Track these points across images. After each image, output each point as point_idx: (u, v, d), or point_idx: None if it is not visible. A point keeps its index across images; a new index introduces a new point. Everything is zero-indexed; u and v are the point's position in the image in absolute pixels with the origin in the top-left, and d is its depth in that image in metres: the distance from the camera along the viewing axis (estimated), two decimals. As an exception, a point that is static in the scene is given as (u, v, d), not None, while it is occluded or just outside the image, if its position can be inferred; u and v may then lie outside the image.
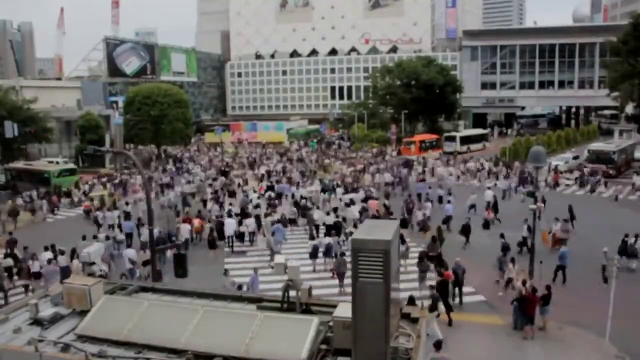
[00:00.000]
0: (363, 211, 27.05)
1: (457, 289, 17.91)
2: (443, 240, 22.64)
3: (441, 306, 15.62)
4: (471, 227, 24.36)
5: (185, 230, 24.81)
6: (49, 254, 20.63)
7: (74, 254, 20.62)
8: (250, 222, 25.74)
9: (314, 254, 21.55)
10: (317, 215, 26.51)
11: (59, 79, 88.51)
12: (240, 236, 25.50)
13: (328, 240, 21.97)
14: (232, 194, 34.50)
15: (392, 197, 33.30)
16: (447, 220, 26.58)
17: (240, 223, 25.77)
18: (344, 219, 25.96)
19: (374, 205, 28.55)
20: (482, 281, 19.47)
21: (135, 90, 60.78)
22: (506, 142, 56.82)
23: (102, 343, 6.60)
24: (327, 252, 21.49)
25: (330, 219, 25.60)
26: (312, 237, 24.15)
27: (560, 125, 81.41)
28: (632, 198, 34.44)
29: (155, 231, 18.96)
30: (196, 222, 26.32)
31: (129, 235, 25.21)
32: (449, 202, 28.47)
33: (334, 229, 23.92)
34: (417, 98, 65.28)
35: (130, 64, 79.49)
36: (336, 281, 19.34)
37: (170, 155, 61.94)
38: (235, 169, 48.78)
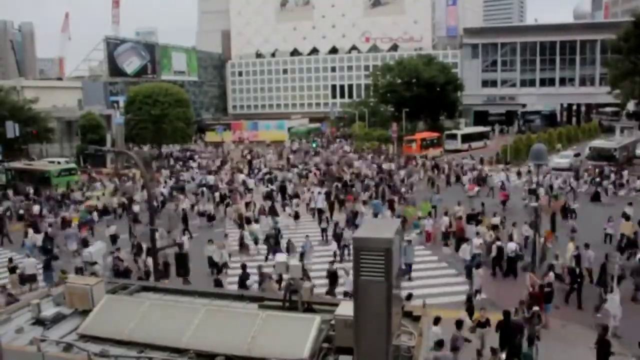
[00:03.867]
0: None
1: None
2: None
3: None
4: None
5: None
6: None
7: None
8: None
9: None
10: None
11: (60, 79, 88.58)
12: None
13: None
14: None
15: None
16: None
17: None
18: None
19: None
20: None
21: (136, 90, 60.69)
22: (507, 140, 56.67)
23: (104, 342, 6.61)
24: None
25: None
26: None
27: (555, 122, 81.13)
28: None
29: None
30: None
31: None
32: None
33: None
34: (418, 96, 65.15)
35: (131, 64, 79.40)
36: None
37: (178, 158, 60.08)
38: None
